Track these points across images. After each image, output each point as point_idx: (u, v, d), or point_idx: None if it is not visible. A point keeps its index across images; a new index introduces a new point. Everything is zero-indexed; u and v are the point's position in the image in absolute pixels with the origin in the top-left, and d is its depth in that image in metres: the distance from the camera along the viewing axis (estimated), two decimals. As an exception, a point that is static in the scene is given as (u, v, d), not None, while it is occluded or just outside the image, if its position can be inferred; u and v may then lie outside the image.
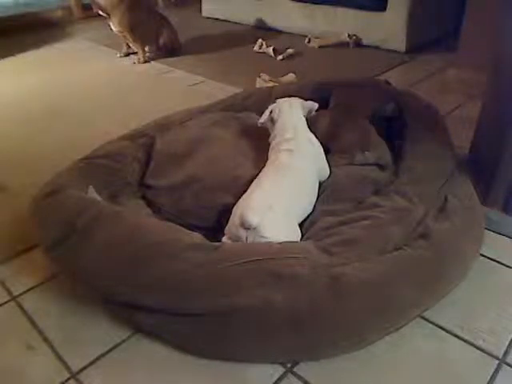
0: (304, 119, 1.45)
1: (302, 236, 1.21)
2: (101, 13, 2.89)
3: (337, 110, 1.66)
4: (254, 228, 1.11)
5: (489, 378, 0.98)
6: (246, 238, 1.12)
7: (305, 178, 1.30)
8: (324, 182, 1.40)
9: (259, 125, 1.47)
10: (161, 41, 3.01)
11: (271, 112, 1.45)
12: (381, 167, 1.43)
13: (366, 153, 1.43)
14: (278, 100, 1.49)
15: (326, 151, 1.46)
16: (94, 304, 1.16)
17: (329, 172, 1.42)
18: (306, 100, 1.51)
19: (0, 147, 1.96)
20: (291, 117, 1.42)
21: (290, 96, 1.53)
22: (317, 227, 1.22)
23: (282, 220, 1.17)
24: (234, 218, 1.16)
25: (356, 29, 3.12)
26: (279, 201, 1.18)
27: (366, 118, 1.60)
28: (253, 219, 1.10)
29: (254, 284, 0.99)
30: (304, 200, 1.28)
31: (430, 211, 1.21)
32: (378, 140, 1.52)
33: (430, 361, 1.02)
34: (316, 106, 1.49)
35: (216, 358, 1.03)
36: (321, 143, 1.45)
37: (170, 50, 3.05)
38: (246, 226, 1.11)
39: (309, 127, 1.46)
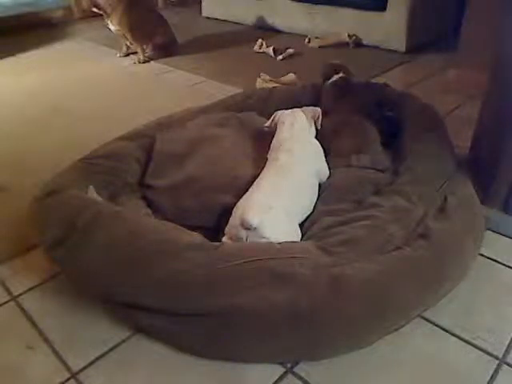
0: (305, 123, 1.44)
1: (302, 236, 1.21)
2: (96, 10, 2.90)
3: (337, 114, 1.66)
4: (255, 228, 1.11)
5: (489, 378, 0.99)
6: (247, 239, 1.12)
7: (304, 178, 1.31)
8: (324, 182, 1.40)
9: (266, 129, 1.49)
10: (157, 40, 3.01)
11: (275, 116, 1.47)
12: (380, 171, 1.43)
13: (361, 155, 1.44)
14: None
15: (326, 154, 1.47)
16: (94, 304, 1.16)
17: (328, 173, 1.42)
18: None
19: (0, 147, 1.96)
20: (290, 116, 1.44)
21: (289, 98, 1.54)
22: (317, 227, 1.22)
23: (283, 220, 1.17)
24: (235, 219, 1.16)
25: (356, 29, 3.12)
26: (279, 201, 1.18)
27: (365, 118, 1.60)
28: (253, 220, 1.10)
29: (254, 284, 0.99)
30: (304, 200, 1.28)
31: (429, 211, 1.21)
32: (376, 144, 1.52)
33: (430, 361, 1.02)
34: (318, 110, 1.49)
35: (216, 358, 1.03)
36: (321, 146, 1.46)
37: (166, 50, 3.05)
38: (246, 226, 1.11)
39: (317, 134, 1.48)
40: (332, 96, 1.76)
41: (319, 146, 1.45)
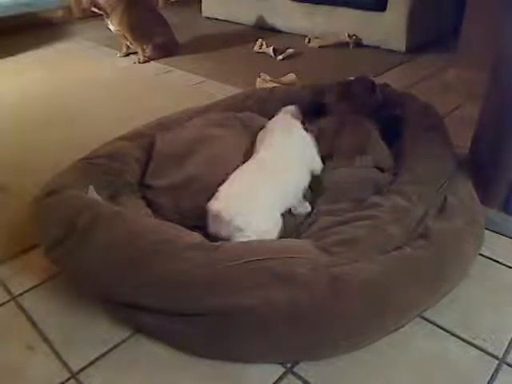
0: (289, 118, 1.53)
1: (301, 234, 1.22)
2: (96, 10, 2.90)
3: (339, 114, 1.67)
4: (218, 217, 1.15)
5: (489, 377, 0.99)
6: (223, 230, 1.16)
7: (283, 167, 1.33)
8: (324, 181, 1.41)
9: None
10: (157, 40, 3.01)
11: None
12: (381, 170, 1.43)
13: (365, 156, 1.44)
14: None
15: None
16: (94, 304, 1.16)
17: (321, 165, 1.45)
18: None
19: (0, 147, 1.96)
20: (275, 120, 1.54)
21: (289, 98, 1.58)
22: (317, 227, 1.23)
23: (254, 208, 1.19)
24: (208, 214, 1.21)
25: (356, 29, 3.12)
26: (249, 190, 1.22)
27: (366, 118, 1.60)
28: (217, 206, 1.16)
29: (254, 284, 0.99)
30: (283, 191, 1.29)
31: (429, 211, 1.21)
32: (379, 143, 1.52)
33: (430, 361, 1.02)
34: (293, 107, 1.60)
35: (216, 358, 1.03)
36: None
37: (166, 50, 3.05)
38: (212, 215, 1.16)
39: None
40: (335, 96, 1.75)
41: (308, 137, 1.49)
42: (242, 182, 1.26)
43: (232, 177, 1.28)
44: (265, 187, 1.24)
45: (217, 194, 1.22)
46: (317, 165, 1.45)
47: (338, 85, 1.78)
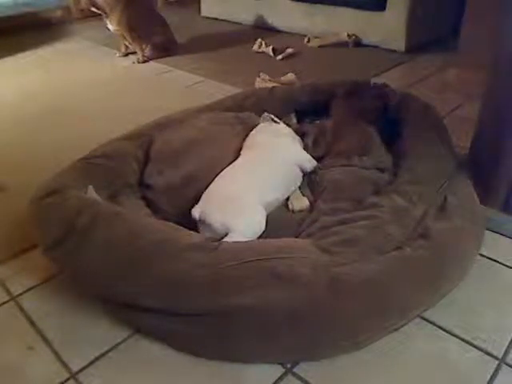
0: (272, 123, 1.59)
1: (301, 235, 1.21)
2: (95, 10, 2.90)
3: (340, 114, 1.67)
4: (202, 220, 1.21)
5: (489, 378, 0.99)
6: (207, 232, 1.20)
7: (267, 167, 1.38)
8: (324, 181, 1.41)
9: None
10: (156, 40, 3.00)
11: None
12: (380, 170, 1.43)
13: (364, 158, 1.44)
14: None
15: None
16: (94, 304, 1.15)
17: (310, 159, 1.49)
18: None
19: (0, 147, 1.96)
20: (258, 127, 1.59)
21: (289, 97, 1.59)
22: (316, 226, 1.22)
23: (234, 208, 1.22)
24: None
25: (356, 28, 3.12)
26: (229, 190, 1.27)
27: (367, 122, 1.60)
28: (195, 214, 1.22)
29: (254, 284, 0.99)
30: (263, 186, 1.32)
31: (429, 211, 1.21)
32: (378, 144, 1.52)
33: (430, 361, 1.02)
34: (266, 114, 1.64)
35: (216, 358, 1.03)
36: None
37: (165, 49, 3.05)
38: (197, 221, 1.22)
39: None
40: (342, 95, 1.75)
41: (294, 136, 1.56)
42: (223, 184, 1.30)
43: (216, 179, 1.32)
44: (246, 185, 1.29)
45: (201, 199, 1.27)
46: (305, 161, 1.48)
47: (347, 84, 1.78)
